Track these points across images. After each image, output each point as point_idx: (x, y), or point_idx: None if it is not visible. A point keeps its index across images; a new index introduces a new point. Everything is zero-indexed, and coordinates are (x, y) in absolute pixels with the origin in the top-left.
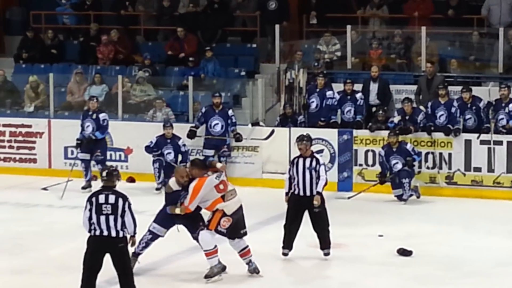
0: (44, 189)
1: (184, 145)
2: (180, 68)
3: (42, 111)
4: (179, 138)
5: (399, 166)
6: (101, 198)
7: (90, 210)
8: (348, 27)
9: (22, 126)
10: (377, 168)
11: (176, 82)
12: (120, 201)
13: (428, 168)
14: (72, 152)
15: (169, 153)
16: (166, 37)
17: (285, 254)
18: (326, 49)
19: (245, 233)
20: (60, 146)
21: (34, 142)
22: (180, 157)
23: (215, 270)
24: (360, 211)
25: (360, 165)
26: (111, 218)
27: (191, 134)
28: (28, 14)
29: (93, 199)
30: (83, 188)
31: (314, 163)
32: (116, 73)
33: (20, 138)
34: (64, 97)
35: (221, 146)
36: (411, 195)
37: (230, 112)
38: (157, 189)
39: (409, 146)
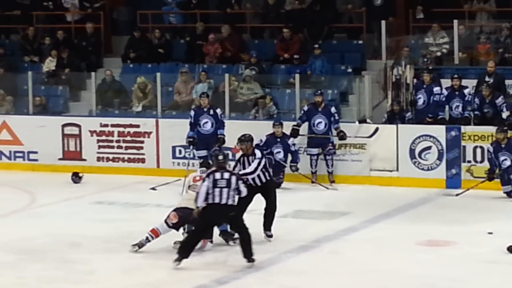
0: (153, 188)
1: (294, 144)
2: (287, 66)
3: (149, 111)
4: (289, 137)
5: (508, 162)
6: (217, 175)
7: (207, 184)
8: (455, 21)
9: (130, 126)
10: (486, 165)
11: (282, 79)
12: (233, 178)
13: None
14: (180, 151)
15: (279, 152)
16: (273, 35)
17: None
18: (433, 42)
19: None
20: (168, 145)
21: (142, 142)
22: (289, 157)
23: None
24: (468, 208)
25: (469, 161)
26: (225, 190)
27: (294, 133)
28: (135, 14)
29: (211, 176)
30: None
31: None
32: (223, 72)
33: (128, 138)
34: (172, 96)
35: (325, 144)
36: None
37: (333, 109)
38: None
39: None
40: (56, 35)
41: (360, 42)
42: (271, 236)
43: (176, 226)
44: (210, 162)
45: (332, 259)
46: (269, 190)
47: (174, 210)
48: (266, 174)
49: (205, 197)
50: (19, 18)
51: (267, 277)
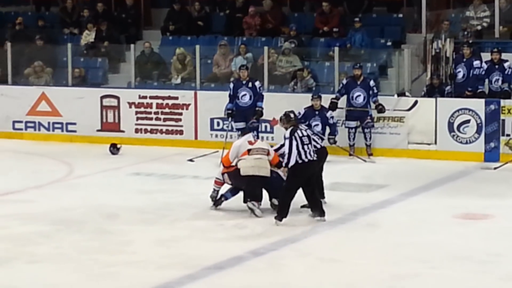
0: (190, 160)
1: (332, 117)
2: (326, 39)
3: (188, 83)
4: (328, 110)
5: None
6: (299, 133)
7: (296, 143)
8: None
9: (169, 98)
10: None
11: (322, 53)
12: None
13: None
14: (218, 124)
15: (317, 125)
16: (313, 8)
17: None
18: (474, 15)
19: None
20: (206, 117)
21: (180, 114)
22: (327, 129)
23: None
24: (507, 182)
25: (508, 135)
26: (310, 146)
27: (333, 106)
28: None
29: (296, 134)
30: None
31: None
32: (262, 45)
33: (166, 110)
34: (210, 68)
35: (364, 118)
36: None
37: (371, 83)
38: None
39: None
40: (96, 7)
41: (400, 15)
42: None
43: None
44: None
45: (369, 231)
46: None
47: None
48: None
49: (296, 156)
50: None
51: (304, 249)
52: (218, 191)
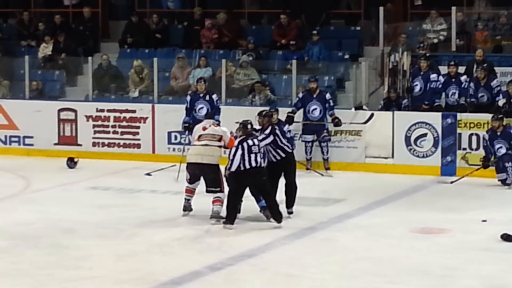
0: (148, 174)
1: (289, 131)
2: (284, 52)
3: (146, 96)
4: (285, 124)
5: (503, 150)
6: (250, 142)
7: (241, 152)
8: (453, 8)
9: (126, 111)
10: (481, 152)
11: (279, 66)
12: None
13: None
14: (176, 137)
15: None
16: (271, 21)
17: None
18: (431, 28)
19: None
20: (163, 131)
21: (138, 127)
22: None
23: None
24: (463, 196)
25: (464, 149)
26: (258, 155)
27: (289, 120)
28: None
29: (244, 144)
30: None
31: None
32: (220, 57)
33: (124, 123)
34: (168, 81)
35: (320, 131)
36: None
37: (327, 96)
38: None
39: None
40: (53, 19)
41: (358, 28)
42: (291, 213)
43: (193, 181)
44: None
45: (326, 246)
46: (287, 168)
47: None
48: (279, 151)
49: (239, 163)
50: (17, 2)
51: (261, 264)
52: (189, 200)
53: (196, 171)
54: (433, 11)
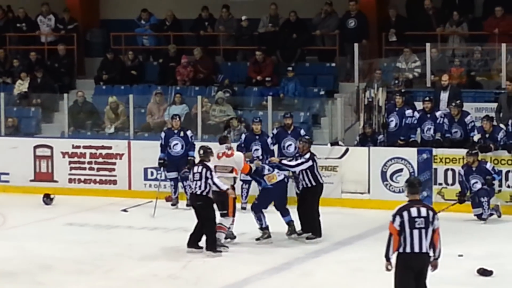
0: (124, 210)
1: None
2: (259, 88)
3: (122, 133)
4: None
5: (479, 185)
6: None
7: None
8: (428, 44)
9: (102, 147)
10: (457, 187)
11: (255, 102)
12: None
13: (508, 187)
14: (152, 173)
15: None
16: (245, 57)
17: None
18: (405, 66)
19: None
20: (140, 167)
21: (114, 163)
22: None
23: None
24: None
25: (440, 184)
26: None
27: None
28: (108, 36)
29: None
30: (173, 205)
31: None
32: (196, 94)
33: (100, 159)
34: (144, 118)
35: None
36: (491, 214)
37: (302, 132)
38: (243, 208)
39: (489, 165)
40: (29, 56)
41: (333, 64)
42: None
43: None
44: (227, 136)
45: (303, 281)
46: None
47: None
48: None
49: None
50: None
51: None
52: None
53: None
54: (406, 49)
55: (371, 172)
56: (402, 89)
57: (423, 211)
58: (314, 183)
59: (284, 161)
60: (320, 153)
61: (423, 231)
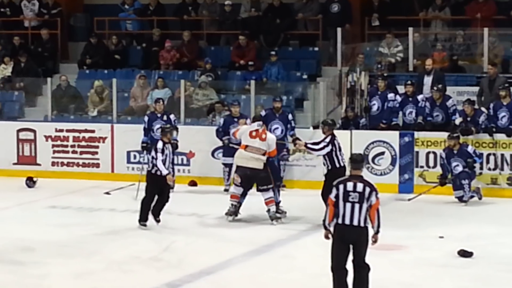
0: (107, 193)
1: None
2: (242, 72)
3: (105, 116)
4: None
5: (460, 168)
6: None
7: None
8: (410, 29)
9: (85, 131)
10: (438, 170)
11: (238, 86)
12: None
13: (489, 169)
14: (135, 157)
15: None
16: (228, 42)
17: None
18: (388, 51)
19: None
20: (122, 150)
21: (97, 147)
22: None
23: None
24: (420, 213)
25: (421, 167)
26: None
27: None
28: (92, 21)
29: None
30: None
31: None
32: (179, 78)
33: (83, 143)
34: (127, 102)
35: (280, 150)
36: (472, 196)
37: (290, 116)
38: (226, 190)
39: (470, 148)
40: (12, 40)
41: (316, 49)
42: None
43: (243, 185)
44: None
45: (284, 263)
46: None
47: (235, 172)
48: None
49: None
50: None
51: (219, 281)
52: (236, 205)
53: (248, 172)
54: (388, 35)
55: None
56: (385, 73)
57: (360, 186)
58: (331, 167)
59: (309, 145)
60: (303, 136)
61: (356, 205)
